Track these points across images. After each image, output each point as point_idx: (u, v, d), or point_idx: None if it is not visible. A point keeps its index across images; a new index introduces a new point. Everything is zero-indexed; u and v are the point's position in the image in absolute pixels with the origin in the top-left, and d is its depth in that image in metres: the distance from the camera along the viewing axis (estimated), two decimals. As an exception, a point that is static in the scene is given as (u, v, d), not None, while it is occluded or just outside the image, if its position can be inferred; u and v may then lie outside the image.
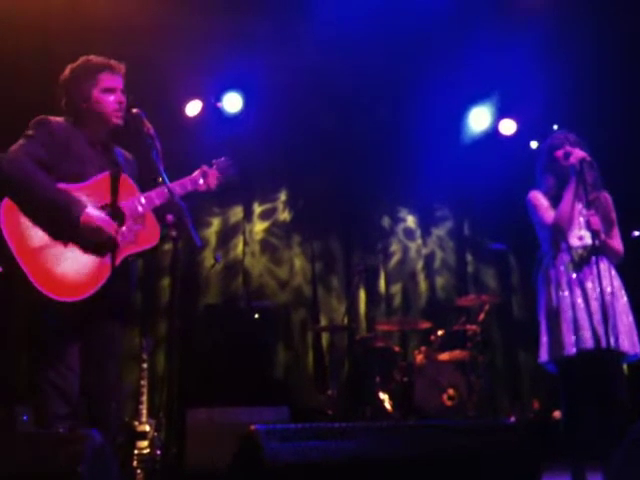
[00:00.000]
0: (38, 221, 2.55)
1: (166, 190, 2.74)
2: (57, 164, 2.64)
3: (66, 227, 2.57)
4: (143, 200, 2.75)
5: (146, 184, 2.94)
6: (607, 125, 5.64)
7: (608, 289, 3.27)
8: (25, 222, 2.53)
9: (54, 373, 2.57)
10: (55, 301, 2.49)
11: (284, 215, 6.77)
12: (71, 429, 2.42)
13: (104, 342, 2.71)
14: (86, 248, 2.61)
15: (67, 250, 2.58)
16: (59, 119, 2.76)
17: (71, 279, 2.55)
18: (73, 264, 2.57)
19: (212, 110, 6.06)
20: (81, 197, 2.64)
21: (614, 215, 3.53)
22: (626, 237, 3.60)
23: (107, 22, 4.83)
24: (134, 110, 2.77)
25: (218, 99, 6.06)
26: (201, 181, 3.01)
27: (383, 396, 5.35)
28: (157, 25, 5.17)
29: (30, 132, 2.66)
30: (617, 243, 3.50)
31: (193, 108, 6.02)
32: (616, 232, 3.52)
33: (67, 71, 2.82)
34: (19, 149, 2.61)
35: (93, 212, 2.61)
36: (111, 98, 2.79)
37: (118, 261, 2.65)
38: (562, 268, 3.41)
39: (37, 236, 2.54)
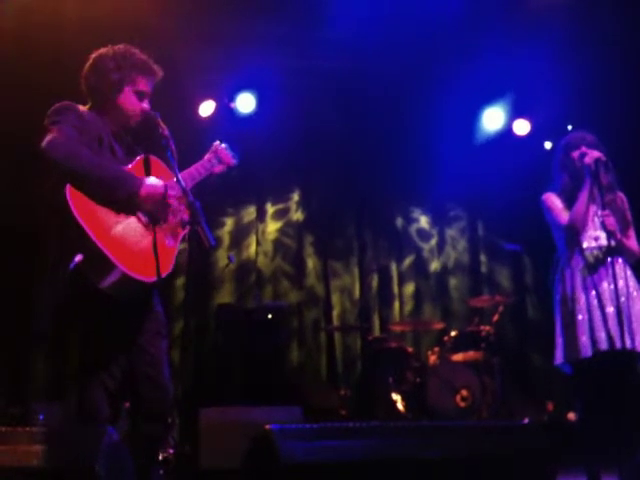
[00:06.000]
0: (104, 202, 2.45)
1: (197, 170, 2.72)
2: (90, 149, 2.55)
3: (128, 203, 2.49)
4: (181, 180, 2.64)
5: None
6: (621, 125, 5.59)
7: (624, 290, 3.25)
8: (92, 205, 2.42)
9: (105, 374, 2.47)
10: (128, 284, 2.39)
11: (297, 215, 6.78)
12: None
13: (156, 327, 2.63)
14: (149, 223, 2.53)
15: (138, 228, 2.51)
16: (83, 106, 2.67)
17: (149, 258, 2.44)
18: (149, 243, 2.48)
19: (225, 110, 6.08)
20: None
21: (630, 216, 3.51)
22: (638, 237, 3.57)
23: (121, 21, 4.84)
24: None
25: (231, 99, 6.08)
26: (215, 162, 2.95)
27: (396, 397, 5.34)
28: (171, 25, 5.19)
29: (58, 118, 2.52)
30: (634, 243, 3.48)
31: (206, 108, 6.04)
32: (632, 233, 3.50)
33: (102, 55, 2.71)
34: (60, 136, 2.46)
35: (153, 181, 2.54)
36: (140, 103, 2.72)
37: (178, 242, 2.62)
38: (577, 269, 3.39)
39: (109, 217, 2.44)
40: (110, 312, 2.44)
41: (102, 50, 2.72)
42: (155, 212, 2.54)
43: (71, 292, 2.39)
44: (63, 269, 2.33)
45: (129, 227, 2.49)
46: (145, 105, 2.74)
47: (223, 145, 3.04)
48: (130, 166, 2.64)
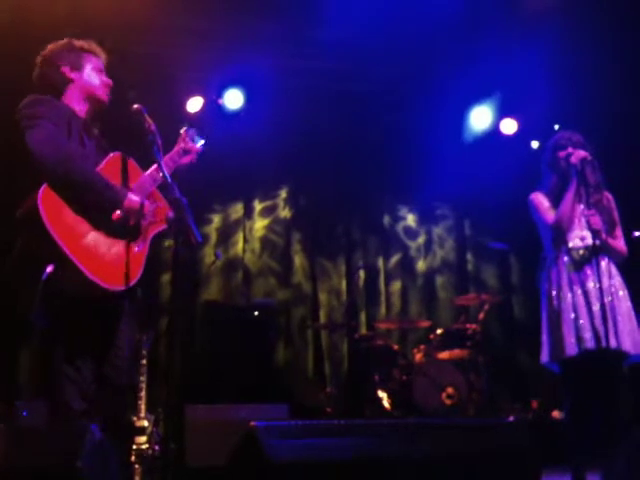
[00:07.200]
0: (81, 209, 2.48)
1: (166, 164, 2.76)
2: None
3: (107, 213, 2.53)
4: (149, 178, 2.73)
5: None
6: (608, 125, 5.63)
7: (609, 289, 3.27)
8: (67, 211, 2.44)
9: (72, 368, 2.50)
10: (98, 291, 2.43)
11: (285, 212, 6.76)
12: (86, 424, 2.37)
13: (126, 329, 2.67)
14: (121, 234, 2.58)
15: (109, 238, 2.55)
16: (50, 97, 2.66)
17: (118, 267, 2.50)
18: (118, 251, 2.53)
19: (213, 106, 6.05)
20: None
21: (617, 215, 3.52)
22: (627, 237, 3.59)
23: (110, 19, 4.82)
24: (135, 106, 2.75)
25: (219, 95, 6.05)
26: (182, 153, 2.98)
27: (382, 394, 5.35)
28: (159, 22, 5.16)
29: (36, 113, 2.54)
30: (620, 243, 3.50)
31: (194, 104, 6.01)
32: (619, 232, 3.52)
33: (50, 47, 2.79)
34: (46, 135, 2.48)
35: (135, 197, 2.59)
36: (101, 77, 2.80)
37: (148, 243, 2.66)
38: (563, 268, 3.41)
39: (81, 225, 2.47)
40: (81, 317, 2.49)
41: (45, 50, 2.78)
42: (131, 225, 2.59)
43: (44, 301, 2.41)
44: (36, 278, 2.35)
45: (99, 236, 2.52)
46: (107, 79, 2.81)
47: (189, 131, 3.04)
48: (103, 163, 2.65)
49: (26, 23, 4.83)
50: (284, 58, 5.68)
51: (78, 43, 2.80)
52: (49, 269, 2.35)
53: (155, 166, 2.78)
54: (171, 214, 2.63)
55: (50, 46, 2.78)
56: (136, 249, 2.62)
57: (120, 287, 2.49)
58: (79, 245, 2.43)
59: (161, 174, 2.62)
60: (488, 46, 5.50)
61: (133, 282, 2.54)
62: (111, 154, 2.70)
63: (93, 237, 2.49)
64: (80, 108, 2.74)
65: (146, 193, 2.70)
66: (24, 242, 2.46)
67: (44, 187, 2.41)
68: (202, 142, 3.06)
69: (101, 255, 2.49)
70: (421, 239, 7.09)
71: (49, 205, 2.39)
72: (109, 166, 2.65)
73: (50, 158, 2.42)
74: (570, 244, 3.44)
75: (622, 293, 3.36)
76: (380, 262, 6.89)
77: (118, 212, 2.54)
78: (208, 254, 6.28)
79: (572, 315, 3.30)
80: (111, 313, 2.61)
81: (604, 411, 3.24)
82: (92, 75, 2.76)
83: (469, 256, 7.15)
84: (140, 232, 2.63)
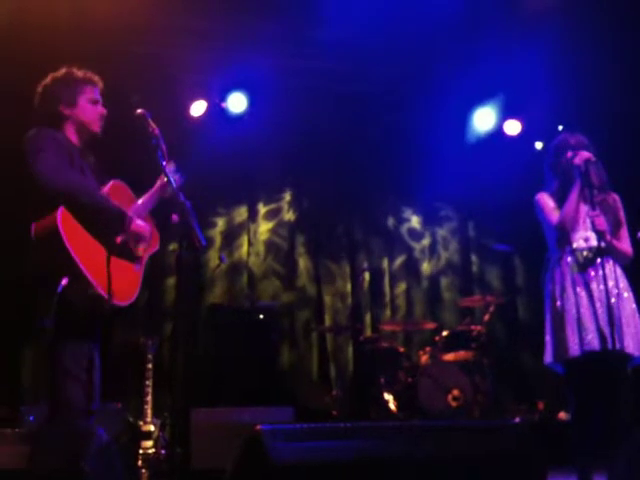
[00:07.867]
0: (92, 228, 2.60)
1: (156, 192, 2.87)
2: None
3: (114, 235, 2.64)
4: (142, 207, 2.89)
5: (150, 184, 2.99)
6: (612, 126, 5.62)
7: (614, 290, 3.26)
8: (81, 230, 2.57)
9: (77, 368, 2.57)
10: (106, 305, 2.56)
11: (289, 215, 6.77)
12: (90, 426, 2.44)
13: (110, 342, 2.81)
14: (124, 254, 2.70)
15: (115, 256, 2.66)
16: (51, 130, 2.77)
17: (122, 284, 2.65)
18: (121, 270, 2.66)
19: (217, 110, 6.07)
20: None
21: (622, 216, 3.51)
22: (633, 238, 3.58)
23: (112, 22, 4.83)
24: (139, 110, 2.78)
25: (223, 99, 6.07)
26: (162, 190, 3.04)
27: (388, 397, 5.35)
28: (162, 25, 5.18)
29: (40, 145, 2.64)
30: (626, 244, 3.48)
31: (198, 108, 6.02)
32: (625, 233, 3.50)
33: (49, 78, 2.88)
34: (53, 162, 2.60)
35: (139, 221, 2.71)
36: (96, 108, 2.87)
37: (143, 263, 2.80)
38: (567, 269, 3.40)
39: (93, 244, 2.59)
40: (87, 326, 2.62)
41: (44, 81, 2.87)
42: (132, 247, 2.70)
43: (58, 311, 2.48)
44: (51, 290, 2.45)
45: (107, 254, 2.62)
46: (102, 109, 2.89)
47: (167, 168, 3.06)
48: (106, 189, 2.77)
49: (26, 25, 4.85)
50: (284, 58, 5.69)
51: (75, 74, 2.87)
52: (64, 282, 2.46)
53: (147, 194, 2.91)
54: (175, 217, 2.67)
55: (50, 77, 2.87)
56: (135, 268, 2.75)
57: (123, 303, 2.64)
58: (92, 262, 2.54)
59: (165, 178, 2.67)
60: (488, 46, 5.50)
61: (133, 299, 2.71)
62: (111, 182, 2.81)
63: (103, 255, 2.59)
64: (76, 139, 2.85)
65: (141, 217, 2.81)
66: (42, 257, 2.56)
67: (62, 208, 2.53)
68: (178, 173, 3.10)
69: (109, 272, 2.59)
70: (425, 241, 7.09)
71: (67, 224, 2.52)
72: (111, 192, 2.76)
73: (56, 186, 2.53)
74: (574, 245, 3.43)
75: (627, 295, 3.35)
76: (385, 264, 6.89)
77: (122, 235, 2.65)
78: (212, 257, 6.29)
79: (575, 316, 3.29)
80: (109, 324, 2.74)
81: (606, 412, 3.24)
82: (86, 109, 2.84)
83: (473, 258, 7.14)
84: (137, 253, 2.75)
